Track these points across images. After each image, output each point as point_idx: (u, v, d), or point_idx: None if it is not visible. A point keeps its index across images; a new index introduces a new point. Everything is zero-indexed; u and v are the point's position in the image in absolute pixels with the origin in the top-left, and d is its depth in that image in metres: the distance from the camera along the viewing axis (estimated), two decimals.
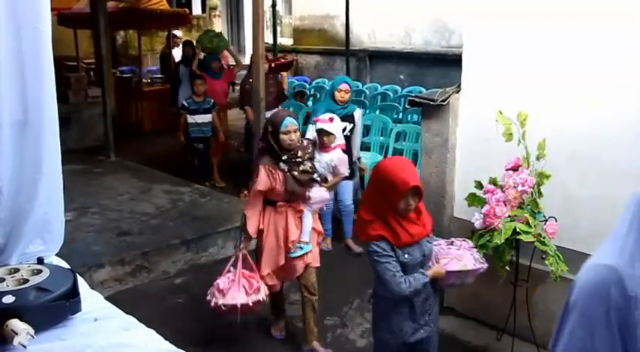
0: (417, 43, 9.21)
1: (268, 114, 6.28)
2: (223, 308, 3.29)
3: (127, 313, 2.25)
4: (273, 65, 6.61)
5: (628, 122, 3.21)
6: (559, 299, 3.47)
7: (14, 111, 2.26)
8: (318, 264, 3.67)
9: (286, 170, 3.34)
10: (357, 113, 5.15)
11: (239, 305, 3.25)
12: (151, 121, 10.29)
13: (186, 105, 6.79)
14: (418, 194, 2.53)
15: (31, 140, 2.31)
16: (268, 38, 9.48)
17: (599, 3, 3.27)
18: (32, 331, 1.88)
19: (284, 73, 6.89)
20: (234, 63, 7.89)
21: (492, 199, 3.29)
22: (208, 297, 3.40)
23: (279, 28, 12.36)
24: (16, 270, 2.20)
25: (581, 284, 1.62)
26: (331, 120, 4.02)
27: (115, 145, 7.78)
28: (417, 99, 4.18)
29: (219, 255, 5.15)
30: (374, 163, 5.78)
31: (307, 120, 6.36)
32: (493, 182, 3.39)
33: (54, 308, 2.05)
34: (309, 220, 3.55)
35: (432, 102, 3.98)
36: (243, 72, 7.38)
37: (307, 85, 9.40)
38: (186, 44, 8.51)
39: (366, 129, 6.68)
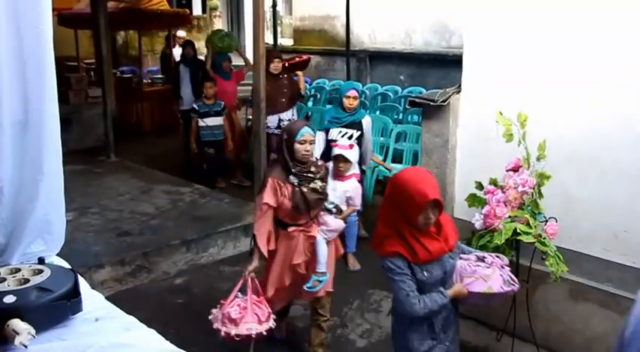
0: (418, 44, 9.21)
1: (282, 115, 6.22)
2: (236, 338, 3.10)
3: (127, 313, 2.25)
4: (287, 65, 6.40)
5: (628, 123, 3.21)
6: (559, 300, 3.48)
7: (15, 112, 2.26)
8: (332, 289, 3.54)
9: (295, 184, 3.17)
10: (366, 120, 4.88)
11: (254, 335, 3.09)
12: (152, 121, 10.30)
13: (197, 108, 6.66)
14: (438, 207, 2.35)
15: (32, 140, 2.32)
16: (268, 39, 9.49)
17: (599, 3, 3.28)
18: (33, 331, 1.88)
19: (300, 73, 6.61)
20: (244, 63, 7.71)
21: (493, 200, 3.29)
22: (217, 326, 3.19)
23: (279, 29, 12.38)
24: (18, 270, 2.20)
25: (638, 316, 1.50)
26: (351, 147, 3.91)
27: (116, 145, 7.78)
28: (417, 100, 4.18)
29: (219, 256, 5.15)
30: (374, 164, 5.79)
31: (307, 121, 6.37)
32: (493, 183, 3.39)
33: (55, 308, 2.05)
34: (324, 249, 3.35)
35: (432, 103, 3.98)
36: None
37: (307, 86, 9.40)
38: (187, 44, 8.44)
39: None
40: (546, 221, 3.25)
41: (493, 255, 2.72)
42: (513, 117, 3.36)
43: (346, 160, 3.82)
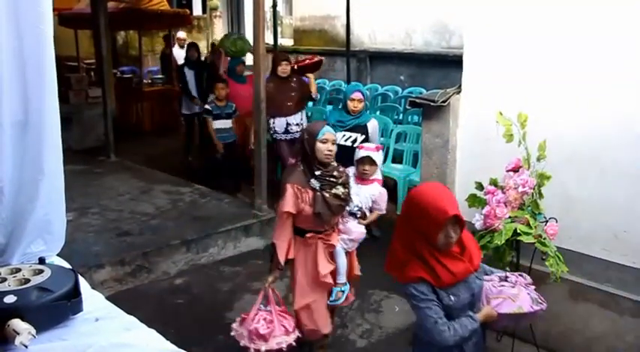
0: (418, 44, 9.21)
1: (290, 119, 5.95)
2: None
3: (127, 313, 2.25)
4: (296, 67, 6.16)
5: (628, 123, 3.21)
6: (559, 300, 3.49)
7: (15, 112, 2.26)
8: (354, 298, 3.50)
9: (317, 188, 3.03)
10: (372, 124, 4.73)
11: (284, 349, 3.02)
12: (152, 121, 10.31)
13: (211, 109, 6.55)
14: (459, 224, 2.18)
15: (32, 140, 2.31)
16: (269, 39, 9.47)
17: (599, 3, 3.28)
18: (34, 331, 1.88)
19: (310, 75, 6.25)
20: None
21: (493, 200, 3.29)
22: (244, 343, 3.06)
23: (279, 29, 12.36)
24: (18, 270, 2.20)
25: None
26: (378, 149, 3.76)
27: (116, 145, 7.78)
28: (417, 100, 4.19)
29: (219, 256, 5.15)
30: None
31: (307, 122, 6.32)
32: (494, 183, 3.40)
33: (55, 308, 2.05)
34: (344, 260, 3.24)
35: (432, 103, 3.98)
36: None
37: None
38: (191, 47, 8.30)
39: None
40: (546, 221, 3.26)
41: (516, 273, 2.63)
42: (513, 118, 3.36)
43: (372, 162, 3.63)
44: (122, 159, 7.72)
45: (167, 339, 2.09)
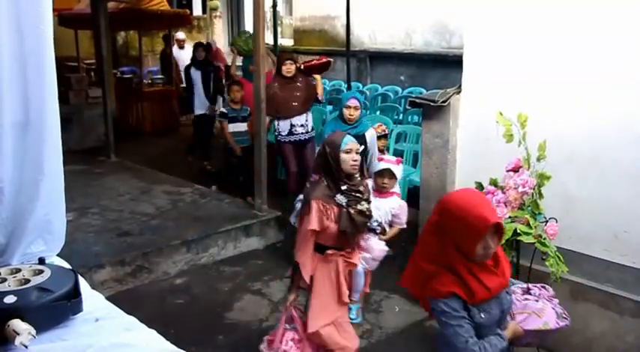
0: (418, 44, 9.21)
1: (294, 120, 5.63)
2: None
3: (127, 313, 2.25)
4: (302, 67, 5.92)
5: (628, 123, 3.21)
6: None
7: (16, 112, 2.26)
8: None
9: (343, 204, 2.85)
10: (370, 133, 4.45)
11: None
12: (152, 122, 10.31)
13: (226, 112, 6.40)
14: (499, 234, 2.03)
15: (33, 141, 2.32)
16: (269, 39, 9.47)
17: (599, 3, 3.28)
18: (34, 331, 1.88)
19: (317, 77, 5.95)
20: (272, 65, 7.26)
21: (493, 200, 3.29)
22: None
23: (279, 29, 12.36)
24: (18, 270, 2.20)
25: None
26: (398, 162, 3.61)
27: (116, 146, 7.79)
28: (417, 100, 4.19)
29: (219, 256, 5.15)
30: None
31: None
32: (494, 183, 3.40)
33: (55, 308, 2.05)
34: (362, 280, 3.15)
35: (432, 104, 3.98)
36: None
37: None
38: (198, 47, 8.05)
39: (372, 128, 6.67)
40: (546, 221, 3.25)
41: (538, 285, 2.52)
42: (513, 118, 3.36)
43: (392, 175, 3.49)
44: (122, 159, 7.72)
45: (167, 339, 2.09)
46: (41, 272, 2.19)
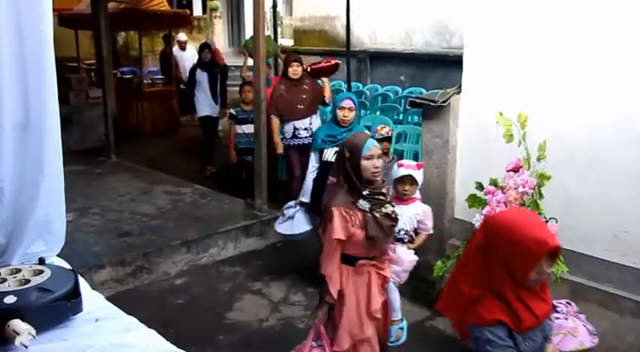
0: (418, 44, 9.20)
1: (298, 123, 5.51)
2: None
3: (127, 314, 2.26)
4: (309, 69, 5.82)
5: (628, 123, 3.22)
6: (563, 301, 3.45)
7: (16, 113, 2.26)
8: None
9: (367, 209, 2.67)
10: None
11: None
12: (152, 122, 10.31)
13: (235, 114, 6.33)
14: (554, 257, 1.90)
15: (33, 141, 2.32)
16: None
17: (599, 3, 3.28)
18: (34, 331, 1.89)
19: (325, 79, 5.83)
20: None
21: (493, 200, 3.29)
22: None
23: (279, 29, 12.37)
24: (18, 271, 2.20)
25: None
26: (419, 167, 3.44)
27: (116, 146, 7.79)
28: (417, 101, 4.19)
29: (219, 256, 5.15)
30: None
31: None
32: (494, 183, 3.40)
33: (55, 308, 2.05)
34: (397, 295, 2.97)
35: (432, 104, 3.98)
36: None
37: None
38: (205, 48, 7.85)
39: (367, 131, 6.67)
40: (547, 221, 3.25)
41: (563, 302, 2.42)
42: (513, 118, 3.36)
43: (414, 182, 3.32)
44: (122, 159, 7.72)
45: (167, 339, 2.09)
46: (41, 272, 2.19)
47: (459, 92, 4.00)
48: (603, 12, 3.26)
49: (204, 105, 7.59)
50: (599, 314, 3.43)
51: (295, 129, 5.57)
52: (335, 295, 2.69)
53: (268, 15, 10.64)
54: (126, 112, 10.19)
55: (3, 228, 2.36)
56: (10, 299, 1.96)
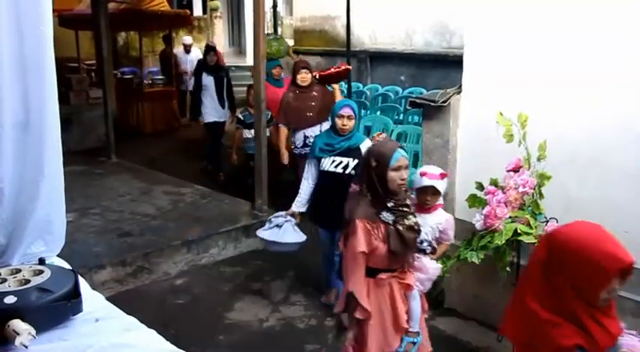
0: (418, 44, 9.20)
1: (308, 132, 5.31)
2: None
3: (127, 314, 2.26)
4: (318, 76, 5.62)
5: (628, 123, 3.21)
6: None
7: (16, 113, 2.27)
8: (431, 348, 3.04)
9: (390, 222, 2.57)
10: (366, 145, 3.89)
11: None
12: (152, 122, 10.32)
13: (242, 118, 6.23)
14: (627, 275, 1.74)
15: (33, 141, 2.32)
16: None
17: (599, 3, 3.28)
18: (34, 331, 1.89)
19: (335, 86, 5.67)
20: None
21: (493, 200, 3.29)
22: None
23: (280, 29, 12.37)
24: (18, 271, 2.21)
25: None
26: (442, 176, 3.23)
27: (116, 146, 7.80)
28: (417, 101, 4.19)
29: (220, 256, 5.16)
30: None
31: None
32: (494, 183, 3.40)
33: (55, 308, 2.06)
34: (418, 305, 2.84)
35: (432, 104, 3.98)
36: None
37: None
38: (210, 50, 7.61)
39: (367, 131, 6.68)
40: (547, 221, 3.25)
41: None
42: (514, 118, 3.36)
43: (436, 192, 3.16)
44: (123, 159, 7.73)
45: (167, 339, 2.09)
46: (41, 272, 2.19)
47: (459, 92, 4.00)
48: (603, 12, 3.25)
49: (211, 109, 7.32)
50: None
51: (306, 137, 5.36)
52: (370, 308, 2.59)
53: (268, 15, 10.65)
54: (126, 112, 10.20)
55: (3, 228, 2.36)
56: (10, 300, 1.97)
